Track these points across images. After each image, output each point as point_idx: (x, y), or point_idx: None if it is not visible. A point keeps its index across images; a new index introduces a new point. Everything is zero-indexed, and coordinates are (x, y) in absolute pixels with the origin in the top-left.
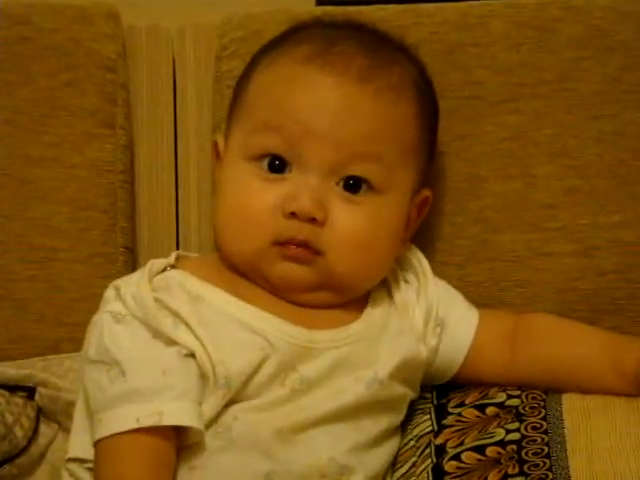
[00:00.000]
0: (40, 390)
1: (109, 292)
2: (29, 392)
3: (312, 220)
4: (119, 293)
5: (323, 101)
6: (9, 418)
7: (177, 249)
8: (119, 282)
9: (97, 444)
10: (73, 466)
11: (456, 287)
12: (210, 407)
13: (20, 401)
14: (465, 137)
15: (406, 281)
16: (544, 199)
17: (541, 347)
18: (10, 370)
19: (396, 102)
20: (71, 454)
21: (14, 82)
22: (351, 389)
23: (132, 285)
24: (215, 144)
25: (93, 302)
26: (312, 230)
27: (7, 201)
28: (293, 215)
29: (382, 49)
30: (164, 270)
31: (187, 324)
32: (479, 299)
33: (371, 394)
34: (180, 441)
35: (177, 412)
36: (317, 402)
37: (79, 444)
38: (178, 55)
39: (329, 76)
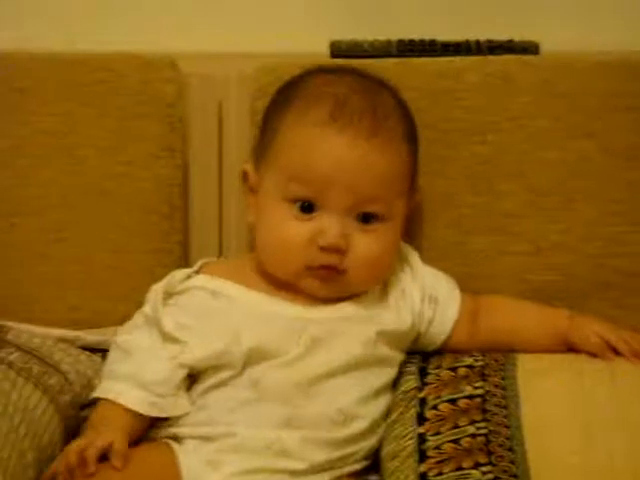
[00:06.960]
0: None
1: (149, 294)
2: (105, 353)
3: (338, 250)
4: (150, 297)
5: (342, 159)
6: (90, 372)
7: (220, 247)
8: (156, 286)
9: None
10: None
11: None
12: (234, 364)
13: (98, 359)
14: (444, 160)
15: (402, 271)
16: (507, 209)
17: (497, 321)
18: (90, 336)
19: (395, 151)
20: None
21: (95, 115)
22: (351, 348)
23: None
24: (245, 173)
25: None
26: (337, 257)
27: (92, 209)
28: (323, 248)
29: (378, 99)
30: (188, 277)
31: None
32: None
33: (366, 353)
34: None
35: (132, 398)
36: (326, 360)
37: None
38: (224, 97)
39: (345, 137)
